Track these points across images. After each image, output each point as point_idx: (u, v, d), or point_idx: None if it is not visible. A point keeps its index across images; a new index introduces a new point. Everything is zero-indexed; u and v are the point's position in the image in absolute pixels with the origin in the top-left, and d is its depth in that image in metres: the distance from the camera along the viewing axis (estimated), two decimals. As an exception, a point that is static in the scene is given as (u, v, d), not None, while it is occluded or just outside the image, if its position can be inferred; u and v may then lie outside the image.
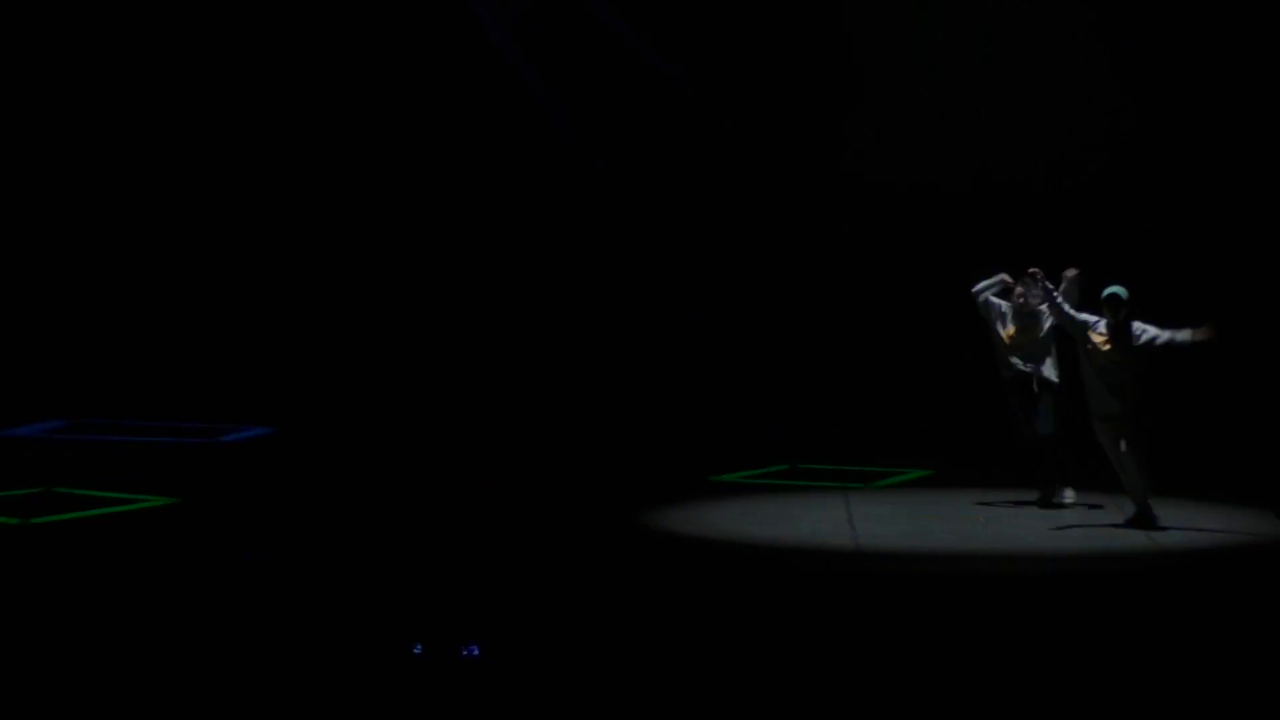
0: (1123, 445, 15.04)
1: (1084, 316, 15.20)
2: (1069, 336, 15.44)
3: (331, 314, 20.52)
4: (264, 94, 20.60)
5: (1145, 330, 15.04)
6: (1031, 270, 15.88)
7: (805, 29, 20.41)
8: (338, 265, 20.59)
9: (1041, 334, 16.06)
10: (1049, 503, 16.09)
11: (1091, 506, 15.95)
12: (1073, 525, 15.32)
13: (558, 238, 20.58)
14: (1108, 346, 15.08)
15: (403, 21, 20.47)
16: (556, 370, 20.32)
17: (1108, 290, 15.09)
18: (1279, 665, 10.65)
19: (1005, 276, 16.15)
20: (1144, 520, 15.11)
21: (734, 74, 20.45)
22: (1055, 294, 15.34)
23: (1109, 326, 15.08)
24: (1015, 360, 16.09)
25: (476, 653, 10.79)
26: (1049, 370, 16.08)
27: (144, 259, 20.78)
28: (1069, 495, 16.12)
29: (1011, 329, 16.12)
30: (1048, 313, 15.82)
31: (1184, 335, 15.04)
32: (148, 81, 20.60)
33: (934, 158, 20.14)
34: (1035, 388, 16.05)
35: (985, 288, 16.21)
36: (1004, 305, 16.13)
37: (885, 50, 20.30)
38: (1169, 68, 19.76)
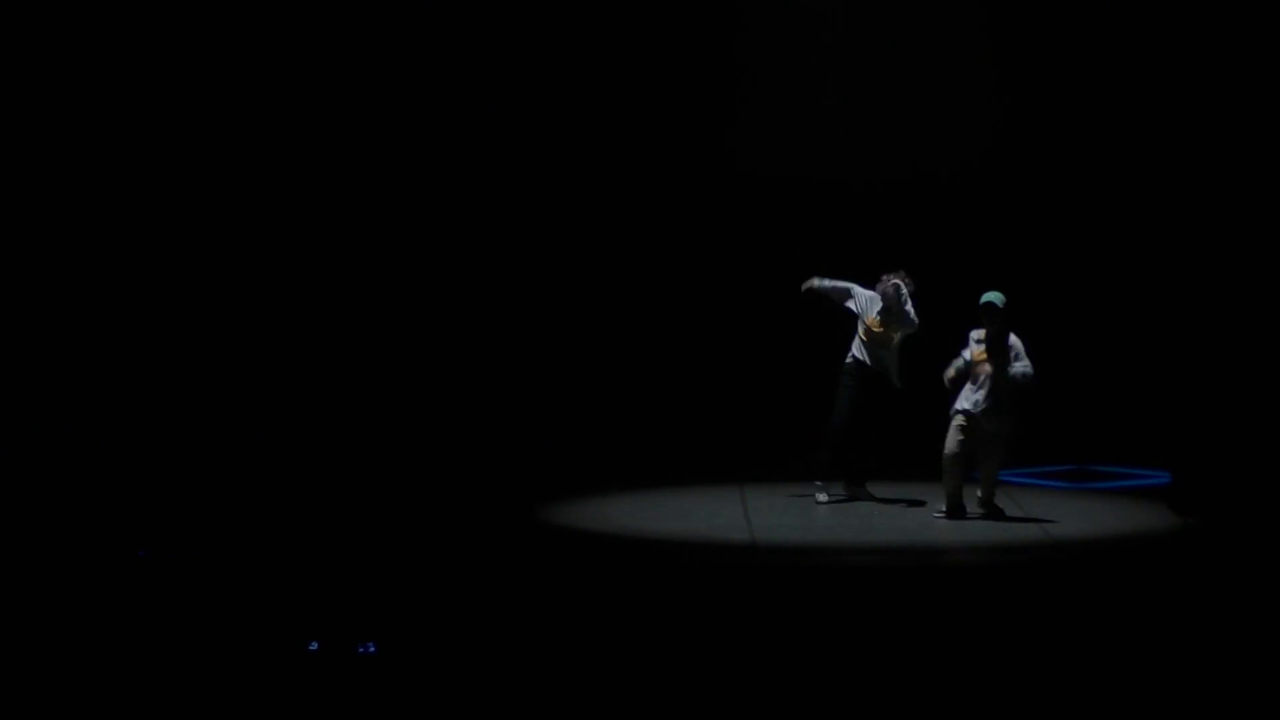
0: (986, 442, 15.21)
1: (967, 351, 15.30)
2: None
3: (230, 309, 20.34)
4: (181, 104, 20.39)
5: (1018, 353, 15.17)
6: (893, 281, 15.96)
7: (691, 25, 20.40)
8: (232, 257, 20.41)
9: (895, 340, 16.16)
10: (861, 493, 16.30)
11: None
12: (967, 519, 15.40)
13: (454, 232, 20.50)
14: (984, 356, 15.17)
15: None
16: (457, 365, 20.23)
17: (984, 298, 15.16)
18: (1173, 654, 10.74)
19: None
20: (957, 511, 15.28)
21: (615, 70, 20.41)
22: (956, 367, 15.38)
23: (986, 335, 15.16)
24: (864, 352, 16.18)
25: (373, 649, 10.74)
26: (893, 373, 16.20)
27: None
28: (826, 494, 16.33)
29: (876, 320, 16.10)
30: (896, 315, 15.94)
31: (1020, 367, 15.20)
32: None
33: (823, 155, 20.20)
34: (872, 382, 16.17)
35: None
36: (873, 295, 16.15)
37: (770, 45, 20.32)
38: (1057, 66, 19.90)
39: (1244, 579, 12.54)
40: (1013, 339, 15.22)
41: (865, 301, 16.12)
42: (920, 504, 16.02)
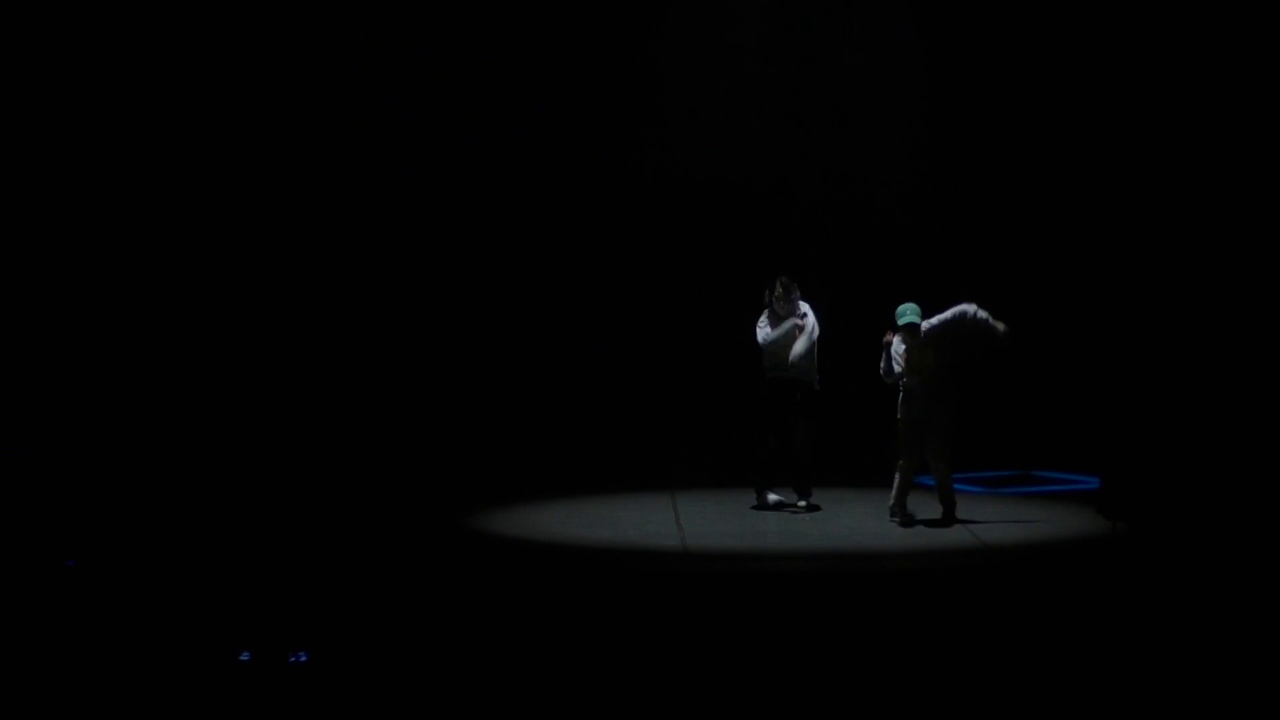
0: (932, 448, 15.33)
1: (893, 353, 15.42)
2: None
3: (155, 317, 20.23)
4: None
5: (935, 323, 15.29)
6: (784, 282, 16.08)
7: (609, 29, 20.39)
8: (160, 269, 20.29)
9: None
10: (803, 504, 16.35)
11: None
12: (894, 524, 15.45)
13: (384, 235, 20.43)
14: (913, 362, 15.29)
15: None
16: (388, 374, 20.17)
17: (903, 319, 15.24)
18: (1103, 657, 10.79)
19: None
20: (948, 517, 15.41)
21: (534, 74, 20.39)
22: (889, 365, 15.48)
23: (910, 349, 15.27)
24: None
25: (305, 659, 10.69)
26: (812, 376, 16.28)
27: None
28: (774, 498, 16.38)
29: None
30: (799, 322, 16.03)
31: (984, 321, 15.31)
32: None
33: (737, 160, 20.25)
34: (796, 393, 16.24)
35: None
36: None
37: (689, 52, 20.35)
38: (976, 71, 20.01)
39: (1171, 583, 12.61)
40: (925, 326, 15.30)
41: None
42: (856, 509, 16.10)
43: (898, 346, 15.37)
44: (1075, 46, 19.73)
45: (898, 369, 15.35)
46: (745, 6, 20.23)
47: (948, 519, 15.43)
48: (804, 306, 16.14)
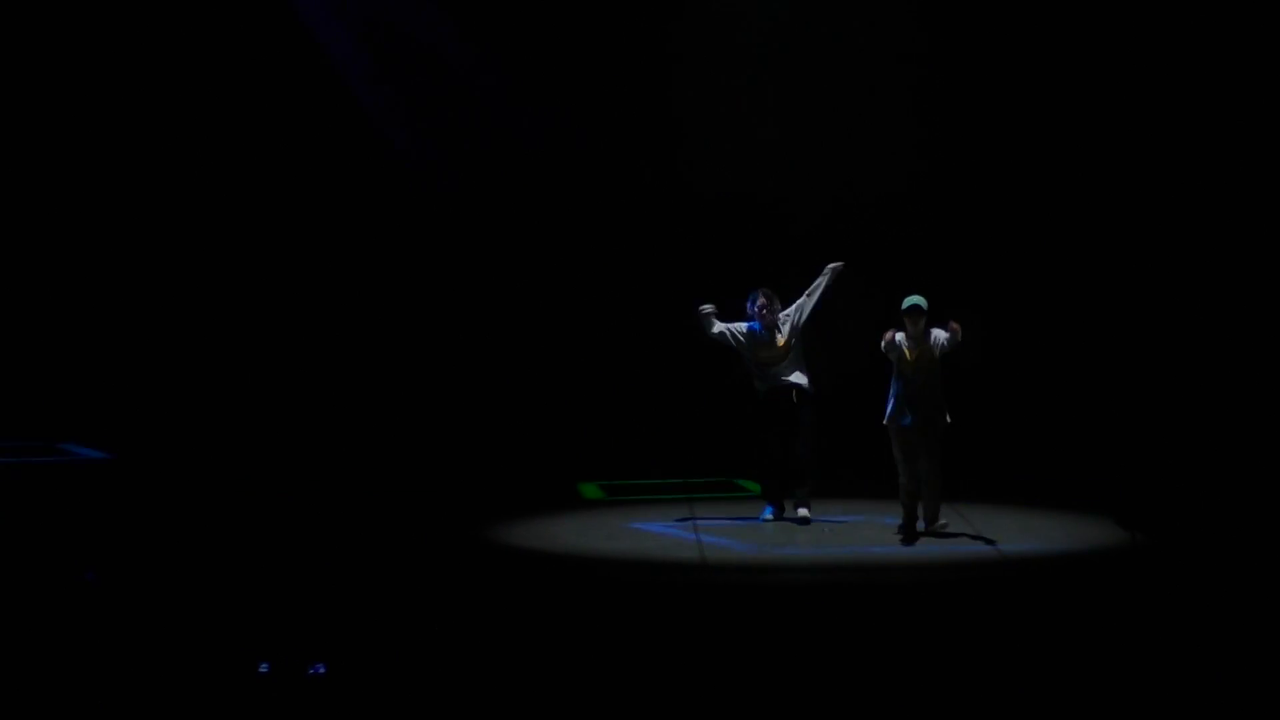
0: (924, 454, 15.30)
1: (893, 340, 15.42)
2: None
3: (169, 328, 20.27)
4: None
5: (937, 338, 15.27)
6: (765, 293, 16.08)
7: (626, 36, 20.44)
8: (178, 280, 20.33)
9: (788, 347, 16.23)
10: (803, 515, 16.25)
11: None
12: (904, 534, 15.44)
13: (404, 244, 20.46)
14: (912, 357, 15.27)
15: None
16: (403, 386, 20.19)
17: (908, 302, 15.24)
18: (1125, 667, 10.77)
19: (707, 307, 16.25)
20: (911, 532, 15.36)
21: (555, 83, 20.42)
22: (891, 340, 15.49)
23: (910, 338, 15.27)
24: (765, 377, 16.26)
25: (323, 670, 10.68)
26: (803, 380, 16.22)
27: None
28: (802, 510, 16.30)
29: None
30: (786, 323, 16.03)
31: (944, 335, 15.29)
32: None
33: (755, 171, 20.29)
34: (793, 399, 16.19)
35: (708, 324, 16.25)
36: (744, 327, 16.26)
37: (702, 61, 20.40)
38: (982, 84, 20.05)
39: (1192, 593, 12.59)
40: (935, 331, 15.34)
41: (745, 336, 16.21)
42: (872, 522, 16.06)
43: (902, 340, 15.36)
44: (1086, 66, 19.78)
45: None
46: (753, 18, 20.29)
47: (929, 525, 15.42)
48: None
